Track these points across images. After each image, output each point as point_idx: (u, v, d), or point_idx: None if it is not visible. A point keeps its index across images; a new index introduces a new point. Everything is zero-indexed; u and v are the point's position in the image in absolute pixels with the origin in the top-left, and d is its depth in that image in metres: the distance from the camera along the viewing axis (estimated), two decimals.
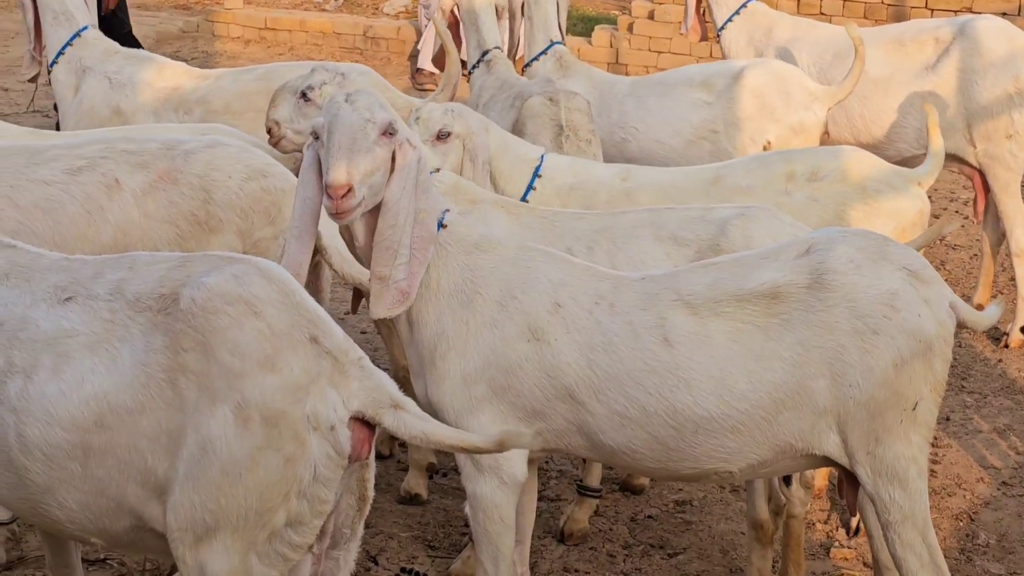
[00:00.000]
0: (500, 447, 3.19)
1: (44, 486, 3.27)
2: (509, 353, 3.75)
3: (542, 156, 5.16)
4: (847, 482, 3.81)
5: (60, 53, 6.52)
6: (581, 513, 5.14)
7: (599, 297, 3.74)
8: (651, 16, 12.22)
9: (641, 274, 3.86)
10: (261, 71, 6.49)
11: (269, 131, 5.21)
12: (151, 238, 4.41)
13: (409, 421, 3.21)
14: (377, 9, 14.89)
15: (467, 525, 5.15)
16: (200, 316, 3.16)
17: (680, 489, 5.53)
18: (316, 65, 5.35)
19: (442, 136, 5.02)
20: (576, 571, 4.91)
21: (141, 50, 7.03)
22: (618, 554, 5.07)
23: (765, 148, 6.32)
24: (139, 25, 14.34)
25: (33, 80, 7.02)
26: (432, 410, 3.81)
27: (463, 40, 7.13)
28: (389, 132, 3.70)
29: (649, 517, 5.35)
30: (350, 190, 3.60)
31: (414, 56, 12.85)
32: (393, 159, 3.72)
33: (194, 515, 3.13)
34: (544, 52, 6.91)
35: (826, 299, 3.61)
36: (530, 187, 5.10)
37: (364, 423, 3.20)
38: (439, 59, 12.26)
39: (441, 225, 3.86)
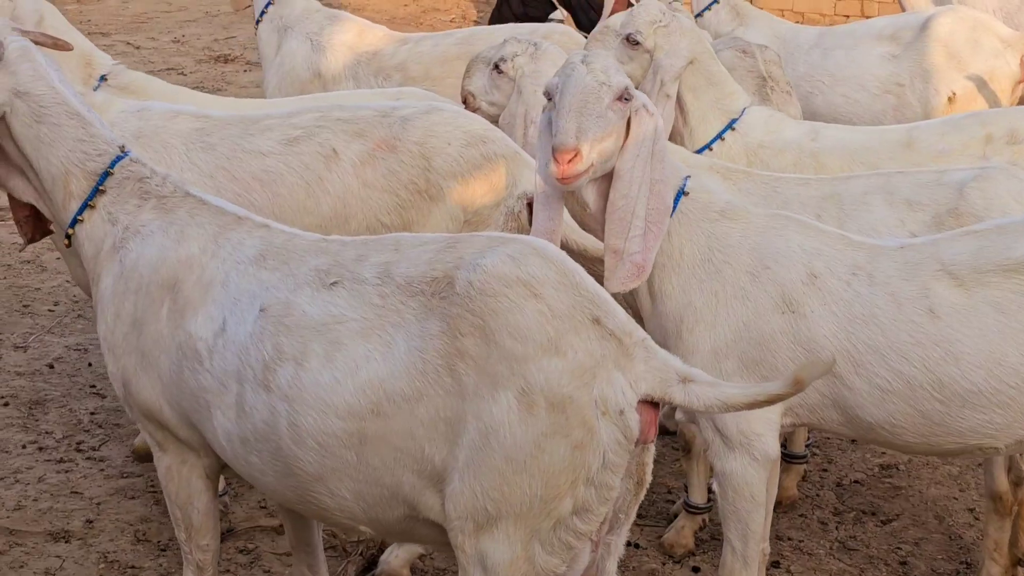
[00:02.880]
0: (800, 385, 2.95)
1: (316, 475, 3.20)
2: (762, 326, 3.63)
3: (744, 109, 4.96)
4: None
5: (263, 11, 6.45)
6: (789, 480, 5.03)
7: (856, 267, 3.61)
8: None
9: (898, 242, 3.71)
10: (460, 35, 6.42)
11: (464, 100, 5.10)
12: (371, 208, 4.33)
13: (701, 392, 3.03)
14: None
15: (670, 492, 5.12)
16: (478, 299, 3.03)
17: (883, 453, 5.40)
18: (508, 35, 5.21)
19: (631, 41, 4.94)
20: (789, 539, 4.81)
21: (341, 11, 6.87)
22: (829, 521, 4.96)
23: (950, 100, 6.12)
24: None
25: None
26: None
27: None
28: (624, 97, 3.60)
29: (856, 482, 5.23)
30: (577, 154, 3.51)
31: None
32: (629, 126, 3.62)
33: (475, 503, 3.02)
34: (716, 0, 6.72)
35: None
36: (718, 137, 4.93)
37: (650, 404, 3.06)
38: None
39: (683, 192, 3.75)
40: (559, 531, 3.05)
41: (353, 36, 6.27)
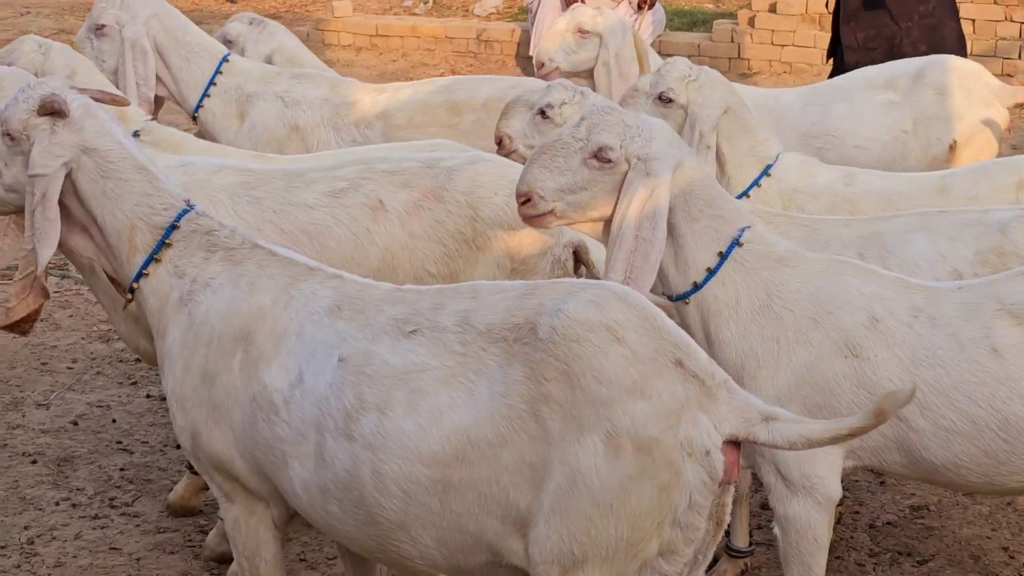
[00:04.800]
0: (882, 417, 2.97)
1: (399, 522, 3.22)
2: (825, 370, 3.68)
3: (777, 155, 5.04)
4: None
5: (206, 92, 6.19)
6: None
7: (917, 310, 3.67)
8: (773, 9, 12.11)
9: (955, 284, 3.78)
10: (441, 83, 6.43)
11: (499, 142, 5.14)
12: (418, 258, 4.37)
13: (784, 429, 3.07)
14: (467, 11, 14.83)
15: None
16: (562, 344, 3.06)
17: (913, 494, 5.45)
18: (555, 82, 5.27)
19: (664, 99, 5.03)
20: None
21: (305, 69, 6.72)
22: (866, 563, 4.99)
23: (951, 148, 6.21)
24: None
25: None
26: None
27: None
28: (601, 158, 3.73)
29: (888, 524, 5.28)
30: (528, 199, 3.77)
31: (527, 58, 12.79)
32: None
33: (562, 547, 3.04)
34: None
35: None
36: (755, 184, 5.00)
37: (733, 444, 3.10)
38: None
39: (737, 243, 3.81)
40: (644, 573, 3.09)
41: (326, 90, 6.20)
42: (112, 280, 3.88)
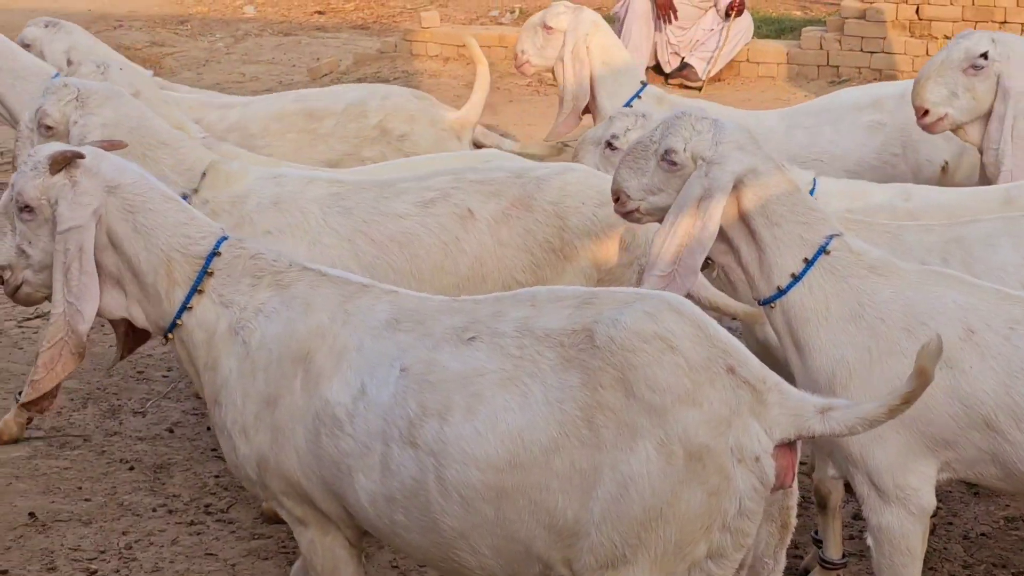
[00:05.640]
0: (926, 375, 3.08)
1: (459, 530, 3.27)
2: None
3: (814, 180, 5.00)
4: None
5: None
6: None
7: (1014, 321, 3.65)
8: (862, 15, 12.02)
9: None
10: (296, 93, 6.50)
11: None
12: (506, 266, 4.41)
13: (839, 416, 3.14)
14: None
15: (797, 547, 5.12)
16: (619, 354, 3.15)
17: (1008, 505, 5.39)
18: (616, 111, 5.29)
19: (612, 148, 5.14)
20: None
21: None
22: (959, 574, 4.96)
23: (943, 169, 6.10)
24: (327, 48, 14.56)
25: None
26: (833, 441, 3.75)
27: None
28: (669, 160, 3.84)
29: (983, 535, 5.23)
30: (618, 198, 3.95)
31: None
32: None
33: (614, 551, 3.13)
34: (638, 95, 6.59)
35: None
36: None
37: (788, 448, 3.16)
38: None
39: (823, 251, 3.80)
40: (694, 574, 3.15)
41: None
42: (124, 339, 3.83)
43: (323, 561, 3.64)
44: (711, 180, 3.77)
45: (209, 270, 3.64)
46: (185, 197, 4.41)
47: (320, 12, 16.20)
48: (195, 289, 3.63)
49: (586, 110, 6.74)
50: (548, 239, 4.42)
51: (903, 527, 3.74)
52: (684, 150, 3.83)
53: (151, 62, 13.68)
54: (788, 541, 3.34)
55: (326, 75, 11.60)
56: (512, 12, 15.20)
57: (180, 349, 3.75)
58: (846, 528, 5.16)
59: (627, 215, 4.01)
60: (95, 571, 4.85)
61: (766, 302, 3.88)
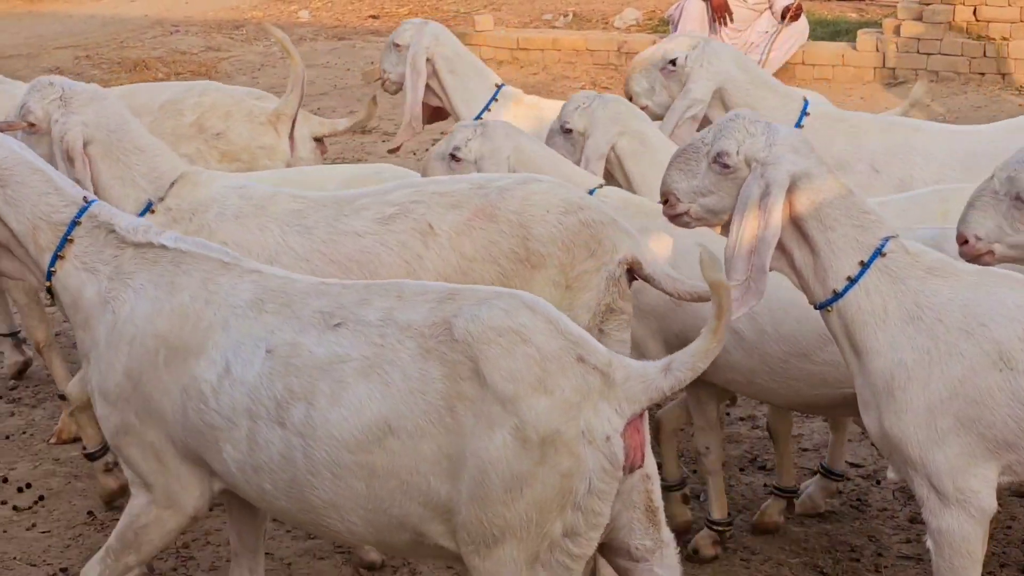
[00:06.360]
0: (719, 288, 3.35)
1: (329, 502, 3.49)
2: (979, 383, 3.64)
3: None
4: None
5: None
6: (773, 509, 5.24)
7: None
8: (919, 17, 11.94)
9: None
10: (120, 91, 6.38)
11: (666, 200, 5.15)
12: (474, 280, 4.27)
13: (679, 365, 3.39)
14: (608, 24, 14.84)
15: (853, 550, 5.10)
16: (475, 346, 3.35)
17: None
18: (458, 124, 5.35)
19: (565, 131, 5.38)
20: None
21: None
22: None
23: None
24: (380, 52, 14.62)
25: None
26: (892, 442, 3.74)
27: None
28: (721, 163, 3.85)
29: None
30: (667, 200, 3.96)
31: None
32: None
33: (483, 530, 3.34)
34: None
35: None
36: None
37: (636, 429, 3.37)
38: None
39: (879, 252, 3.79)
40: (555, 553, 3.36)
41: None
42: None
43: (146, 523, 3.86)
44: (768, 179, 3.76)
45: (70, 237, 3.88)
46: (150, 204, 4.59)
47: (374, 16, 16.28)
48: (56, 255, 3.87)
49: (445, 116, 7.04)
50: (513, 249, 4.32)
51: (963, 530, 3.71)
52: (737, 152, 3.82)
53: (207, 67, 13.83)
54: (662, 521, 3.56)
55: (379, 79, 11.63)
56: (565, 16, 15.22)
57: (59, 308, 4.04)
58: (903, 531, 5.14)
59: (675, 218, 3.99)
60: (153, 569, 4.88)
61: (822, 306, 3.85)
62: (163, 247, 3.81)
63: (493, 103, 6.61)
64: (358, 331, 3.48)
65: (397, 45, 6.87)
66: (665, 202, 4.00)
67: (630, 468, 3.38)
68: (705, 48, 5.86)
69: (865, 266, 3.78)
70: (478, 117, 6.55)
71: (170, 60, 14.11)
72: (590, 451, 3.30)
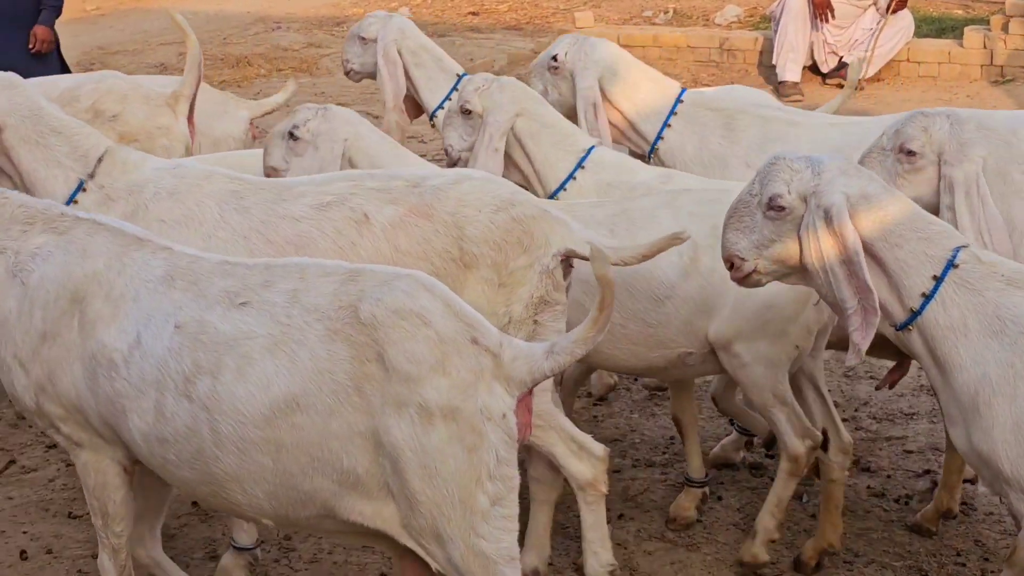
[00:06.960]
0: (605, 281, 3.40)
1: (233, 475, 3.59)
2: None
3: (591, 148, 5.24)
4: None
5: None
6: (688, 501, 5.28)
7: None
8: None
9: None
10: (33, 82, 6.28)
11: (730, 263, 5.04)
12: None
13: (560, 349, 3.49)
14: (708, 20, 14.74)
15: (959, 555, 5.03)
16: (380, 329, 3.45)
17: None
18: (301, 107, 5.38)
19: (465, 112, 5.39)
20: None
21: None
22: None
23: None
24: (481, 48, 14.63)
25: None
26: (982, 458, 3.66)
27: None
28: (775, 207, 3.82)
29: None
30: (732, 264, 3.94)
31: (771, 67, 12.65)
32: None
33: (411, 512, 3.45)
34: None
35: None
36: (570, 177, 5.24)
37: (525, 407, 3.51)
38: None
39: (952, 264, 3.71)
40: (491, 521, 3.47)
41: None
42: None
43: (95, 479, 3.98)
44: (825, 206, 3.72)
45: None
46: (81, 183, 4.66)
47: (474, 13, 16.31)
48: None
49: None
50: (447, 249, 4.31)
51: None
52: (789, 192, 3.78)
53: (308, 63, 13.94)
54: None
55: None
56: (666, 12, 15.14)
57: None
58: (1010, 536, 5.05)
59: (744, 280, 3.93)
60: (257, 559, 4.92)
61: (902, 326, 3.78)
62: (76, 218, 3.93)
63: (455, 92, 6.61)
64: (264, 310, 3.57)
65: (363, 38, 7.10)
66: (731, 267, 3.94)
67: (523, 440, 3.54)
68: (584, 42, 5.94)
69: (939, 280, 3.69)
70: (439, 106, 6.84)
71: (272, 56, 14.25)
72: (490, 427, 3.44)
